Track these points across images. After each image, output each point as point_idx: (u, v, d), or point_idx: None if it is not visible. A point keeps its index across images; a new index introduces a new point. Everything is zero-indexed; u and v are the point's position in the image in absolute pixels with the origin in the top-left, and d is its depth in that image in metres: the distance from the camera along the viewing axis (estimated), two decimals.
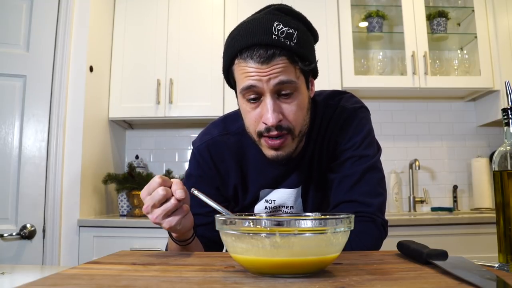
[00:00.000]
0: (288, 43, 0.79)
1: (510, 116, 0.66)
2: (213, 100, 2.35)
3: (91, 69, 2.16)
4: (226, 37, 0.88)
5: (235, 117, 0.99)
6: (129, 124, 2.67)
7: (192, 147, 1.04)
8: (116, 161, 2.54)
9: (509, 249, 0.63)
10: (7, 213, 1.88)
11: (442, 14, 2.52)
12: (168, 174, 2.32)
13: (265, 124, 0.82)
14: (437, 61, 2.55)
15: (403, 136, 2.70)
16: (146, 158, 2.67)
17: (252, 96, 0.82)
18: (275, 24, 0.79)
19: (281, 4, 0.87)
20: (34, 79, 1.98)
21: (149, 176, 2.28)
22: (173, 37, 2.41)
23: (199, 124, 2.58)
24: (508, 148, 0.66)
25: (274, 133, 0.83)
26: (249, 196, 1.01)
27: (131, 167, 2.32)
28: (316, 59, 0.89)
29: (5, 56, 1.95)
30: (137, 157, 2.55)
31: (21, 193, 1.90)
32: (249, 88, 0.81)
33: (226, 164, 0.99)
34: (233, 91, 0.91)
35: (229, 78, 0.88)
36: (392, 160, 2.64)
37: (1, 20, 1.97)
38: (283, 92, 0.82)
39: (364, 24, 2.59)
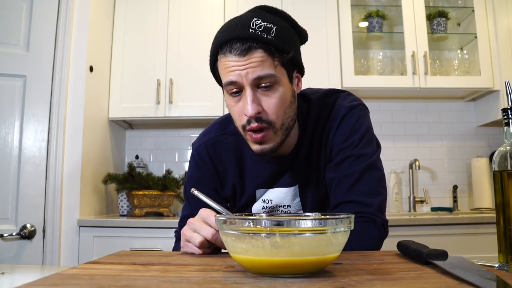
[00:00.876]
0: (265, 36, 0.81)
1: (510, 116, 0.66)
2: (213, 100, 2.35)
3: (91, 69, 2.16)
4: None
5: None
6: (129, 124, 2.67)
7: (191, 148, 1.06)
8: (116, 161, 2.54)
9: (509, 249, 0.63)
10: (7, 213, 1.87)
11: (442, 14, 2.52)
12: (168, 174, 2.32)
13: (246, 115, 0.84)
14: (437, 61, 2.55)
15: (403, 136, 2.70)
16: (146, 158, 2.66)
17: (234, 90, 0.85)
18: (253, 20, 0.82)
19: (266, 5, 0.89)
20: (34, 79, 1.98)
21: (149, 176, 2.28)
22: (173, 38, 2.40)
23: (199, 124, 2.58)
24: (508, 148, 0.66)
25: (255, 125, 0.84)
26: (245, 195, 1.01)
27: (131, 167, 2.32)
28: (300, 55, 0.91)
29: (5, 56, 1.95)
30: (137, 157, 2.55)
31: (21, 193, 1.90)
32: (230, 84, 0.84)
33: (225, 164, 1.00)
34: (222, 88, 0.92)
35: (216, 75, 0.91)
36: (392, 160, 2.64)
37: (1, 20, 1.97)
38: (262, 85, 0.83)
39: (364, 24, 2.59)
